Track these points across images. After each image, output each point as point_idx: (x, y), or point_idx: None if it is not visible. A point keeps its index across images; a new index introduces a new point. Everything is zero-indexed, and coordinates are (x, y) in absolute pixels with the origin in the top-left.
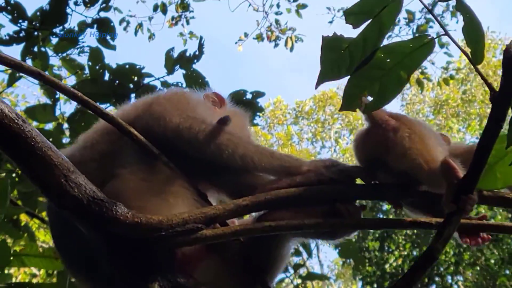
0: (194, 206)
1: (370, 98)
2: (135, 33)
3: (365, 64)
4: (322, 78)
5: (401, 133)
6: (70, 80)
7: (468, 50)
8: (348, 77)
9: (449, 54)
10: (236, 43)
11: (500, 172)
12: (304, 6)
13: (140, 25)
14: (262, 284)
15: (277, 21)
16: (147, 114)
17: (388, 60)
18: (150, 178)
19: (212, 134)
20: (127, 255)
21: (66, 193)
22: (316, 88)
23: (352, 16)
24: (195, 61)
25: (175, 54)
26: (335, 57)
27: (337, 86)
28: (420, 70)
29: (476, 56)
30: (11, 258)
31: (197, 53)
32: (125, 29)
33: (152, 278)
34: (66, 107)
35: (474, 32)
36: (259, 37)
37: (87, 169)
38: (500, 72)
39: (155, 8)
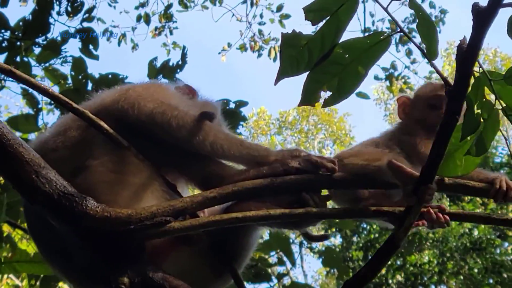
0: (164, 198)
1: (328, 93)
2: (119, 44)
3: (324, 60)
4: (282, 74)
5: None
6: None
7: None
8: (307, 72)
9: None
10: (219, 53)
11: (460, 159)
12: (287, 16)
13: (124, 35)
14: (231, 272)
15: (260, 31)
16: (123, 99)
17: (346, 56)
18: (120, 170)
19: (184, 120)
20: (98, 248)
21: (37, 189)
22: (275, 84)
23: (311, 13)
24: (178, 70)
25: (158, 63)
26: (294, 53)
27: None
28: (403, 80)
29: (430, 51)
30: (2, 265)
31: (180, 62)
32: (108, 39)
33: (123, 271)
34: (49, 117)
35: (427, 29)
36: (243, 47)
37: (59, 157)
38: None
39: (139, 18)
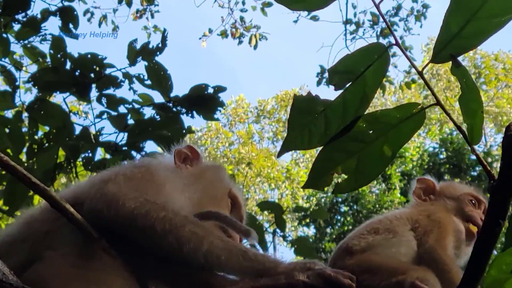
0: None
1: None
2: (99, 25)
3: (344, 134)
4: (288, 146)
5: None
6: (31, 68)
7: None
8: (320, 148)
9: (412, 58)
10: (200, 38)
11: None
12: (269, 4)
13: (105, 16)
14: None
15: (242, 18)
16: (99, 195)
17: (370, 131)
18: (83, 265)
19: (172, 224)
20: None
21: None
22: (278, 157)
23: (336, 75)
24: (158, 53)
25: (138, 46)
26: (307, 122)
27: (300, 87)
28: None
29: (473, 132)
30: None
31: (160, 45)
32: (89, 20)
33: None
34: (27, 96)
35: (472, 104)
36: (224, 34)
37: (17, 250)
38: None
39: (120, 0)
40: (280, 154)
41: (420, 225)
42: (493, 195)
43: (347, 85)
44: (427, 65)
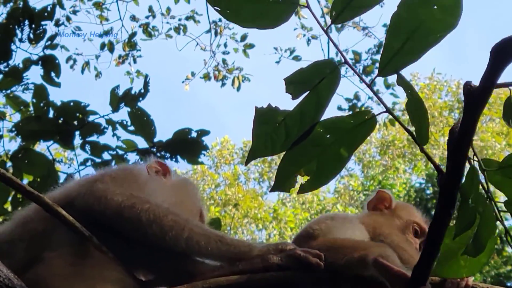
0: None
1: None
2: (82, 71)
3: (302, 140)
4: (254, 154)
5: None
6: (14, 117)
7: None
8: (283, 153)
9: (395, 95)
10: (183, 82)
11: (464, 259)
12: (251, 46)
13: (87, 63)
14: None
15: (224, 61)
16: (89, 192)
17: (328, 136)
18: (79, 262)
19: (156, 214)
20: None
21: None
22: (245, 165)
23: (292, 85)
24: (140, 99)
25: (121, 91)
26: (269, 130)
27: None
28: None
29: (421, 134)
30: None
31: (142, 91)
32: (71, 67)
33: None
34: (11, 144)
35: (417, 110)
36: (206, 76)
37: (14, 249)
38: (446, 113)
39: (102, 46)
40: (247, 162)
41: (367, 231)
42: (443, 189)
43: (303, 96)
44: (374, 78)
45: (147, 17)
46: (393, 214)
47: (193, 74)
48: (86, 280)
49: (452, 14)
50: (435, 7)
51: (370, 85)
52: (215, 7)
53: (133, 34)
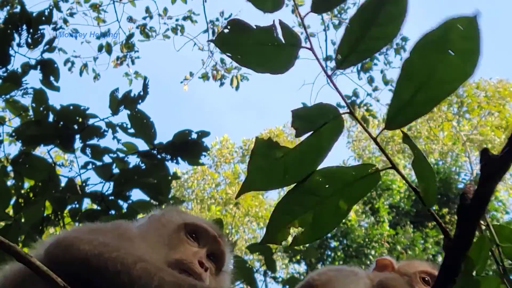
0: None
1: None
2: (80, 74)
3: (298, 187)
4: (247, 187)
5: None
6: (14, 122)
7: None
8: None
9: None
10: (181, 82)
11: None
12: None
13: (85, 65)
14: None
15: (222, 60)
16: (59, 241)
17: (327, 186)
18: None
19: (124, 263)
20: None
21: None
22: (236, 198)
23: (298, 120)
24: (140, 101)
25: (120, 94)
26: (266, 166)
27: (284, 124)
28: (365, 107)
29: (427, 195)
30: None
31: (141, 93)
32: (70, 69)
33: None
34: (11, 148)
35: (424, 171)
36: (205, 76)
37: None
38: (444, 108)
39: (100, 48)
40: (238, 195)
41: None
42: (447, 253)
43: (306, 136)
44: (381, 131)
45: (144, 18)
46: (399, 273)
47: (191, 74)
48: None
49: (469, 60)
50: (452, 52)
51: (376, 139)
52: (227, 54)
53: (131, 35)
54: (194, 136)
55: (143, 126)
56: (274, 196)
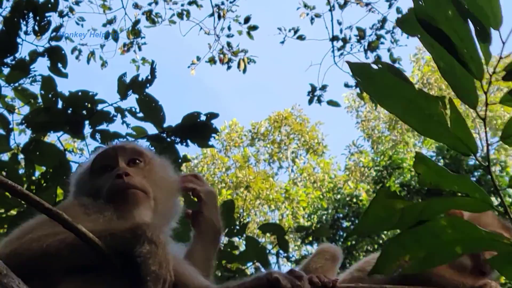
0: None
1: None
2: (88, 61)
3: (419, 225)
4: (361, 230)
5: None
6: (23, 110)
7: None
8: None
9: (401, 69)
10: (188, 67)
11: None
12: (255, 27)
13: (92, 53)
14: None
15: (228, 44)
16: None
17: (450, 231)
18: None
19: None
20: None
21: None
22: (345, 240)
23: (423, 165)
24: (148, 85)
25: (128, 79)
26: (384, 215)
27: (292, 106)
28: None
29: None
30: None
31: (149, 77)
32: (77, 58)
33: None
34: (21, 138)
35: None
36: (212, 60)
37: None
38: None
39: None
40: (351, 235)
41: None
42: None
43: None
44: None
45: (149, 4)
46: None
47: (198, 58)
48: None
49: None
50: None
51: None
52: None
53: (137, 21)
54: (203, 118)
55: (152, 109)
56: (284, 179)
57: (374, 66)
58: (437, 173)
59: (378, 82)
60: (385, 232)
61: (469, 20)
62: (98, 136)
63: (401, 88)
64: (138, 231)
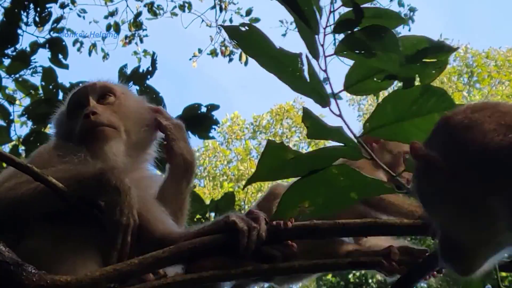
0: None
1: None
2: (89, 54)
3: (313, 176)
4: (254, 180)
5: None
6: (24, 101)
7: None
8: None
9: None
10: (190, 59)
11: None
12: (257, 20)
13: (94, 45)
14: None
15: None
16: None
17: (342, 179)
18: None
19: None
20: None
21: None
22: (243, 189)
23: (309, 119)
24: (149, 77)
25: (129, 71)
26: (275, 165)
27: (294, 99)
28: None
29: None
30: None
31: (150, 69)
32: (78, 50)
33: None
34: (22, 130)
35: None
36: (213, 53)
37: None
38: (455, 78)
39: (108, 28)
40: (245, 185)
41: None
42: None
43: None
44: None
45: None
46: (383, 148)
47: (200, 51)
48: (73, 252)
49: None
50: None
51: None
52: (242, 48)
53: (138, 14)
54: (203, 110)
55: (152, 101)
56: None
57: (242, 28)
58: (320, 126)
59: (247, 42)
60: None
61: None
62: None
63: (265, 46)
64: (102, 179)
